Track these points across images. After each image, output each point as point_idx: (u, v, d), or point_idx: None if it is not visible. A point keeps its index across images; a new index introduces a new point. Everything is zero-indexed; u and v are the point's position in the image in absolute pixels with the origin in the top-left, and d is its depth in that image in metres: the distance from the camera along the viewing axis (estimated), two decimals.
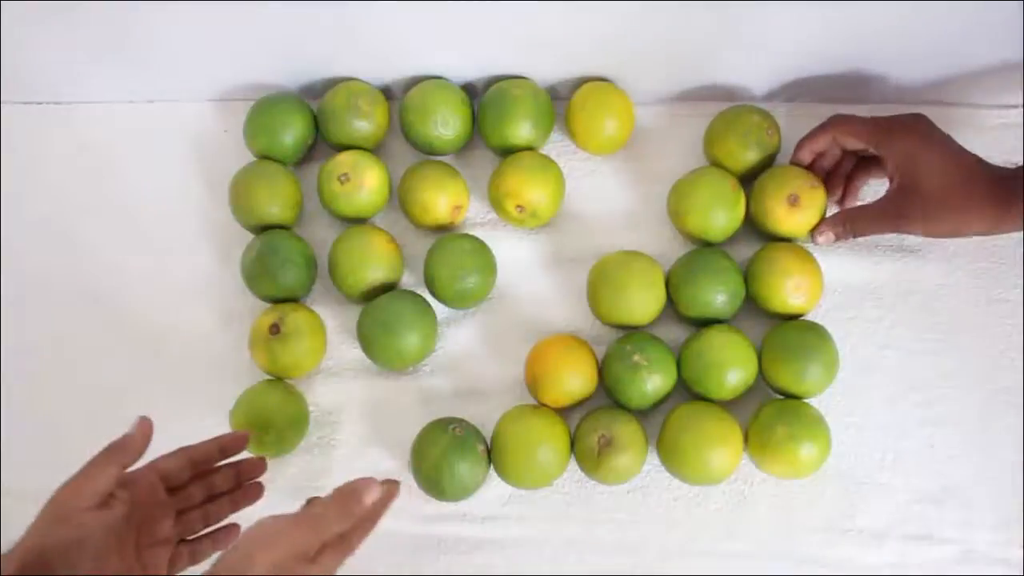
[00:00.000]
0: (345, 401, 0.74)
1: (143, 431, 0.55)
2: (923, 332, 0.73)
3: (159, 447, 0.72)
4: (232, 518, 0.61)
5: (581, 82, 0.77)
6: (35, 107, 0.83)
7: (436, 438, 0.68)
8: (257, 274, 0.72)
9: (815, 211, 0.71)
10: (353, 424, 0.74)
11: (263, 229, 0.75)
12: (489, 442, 0.70)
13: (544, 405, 0.70)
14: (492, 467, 0.69)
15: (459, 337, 0.75)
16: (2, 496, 0.73)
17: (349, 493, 0.53)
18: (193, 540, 0.59)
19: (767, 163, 0.74)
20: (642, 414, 0.70)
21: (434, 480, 0.67)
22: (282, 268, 0.72)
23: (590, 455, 0.67)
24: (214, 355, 0.75)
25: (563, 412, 0.70)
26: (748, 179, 0.74)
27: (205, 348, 0.76)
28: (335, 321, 0.76)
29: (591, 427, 0.68)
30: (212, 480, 0.60)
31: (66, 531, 0.49)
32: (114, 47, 0.75)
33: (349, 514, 0.52)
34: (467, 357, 0.75)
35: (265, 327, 0.71)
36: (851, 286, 0.74)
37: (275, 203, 0.74)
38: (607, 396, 0.71)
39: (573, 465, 0.70)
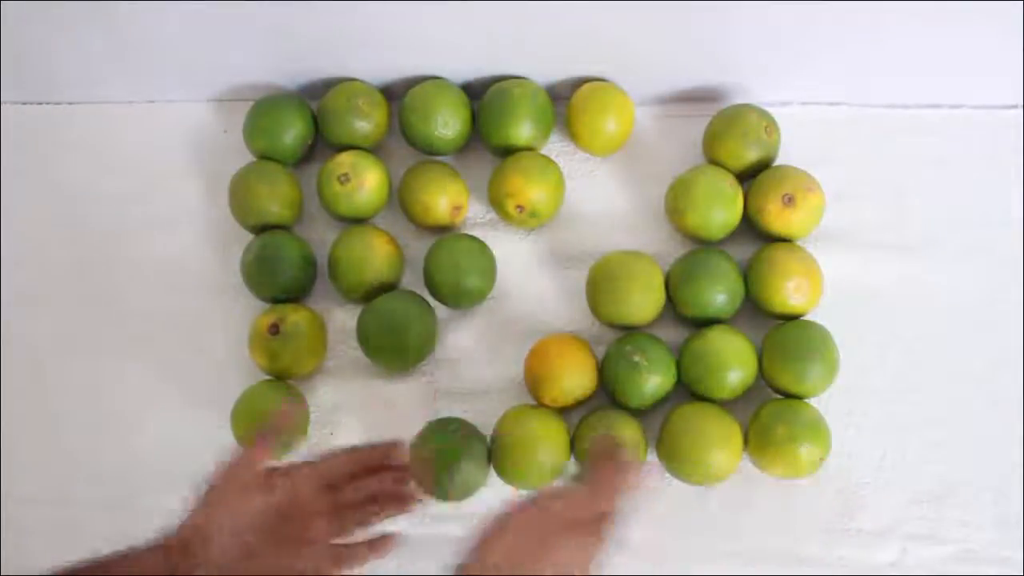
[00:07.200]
0: (345, 401, 0.74)
1: (287, 414, 0.55)
2: (923, 332, 0.73)
3: (161, 447, 0.73)
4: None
5: (581, 82, 0.77)
6: (35, 107, 0.83)
7: (436, 438, 0.68)
8: (257, 274, 0.72)
9: (809, 212, 0.71)
10: (353, 424, 0.74)
11: (263, 229, 0.75)
12: (489, 442, 0.70)
13: (544, 405, 0.70)
14: (492, 467, 0.69)
15: (459, 337, 0.75)
16: (2, 499, 0.73)
17: (611, 476, 0.53)
18: (351, 544, 0.56)
19: (767, 162, 0.74)
20: (642, 414, 0.70)
21: (434, 480, 0.67)
22: (282, 268, 0.72)
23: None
24: (214, 355, 0.75)
25: (563, 412, 0.70)
26: (748, 179, 0.74)
27: (205, 348, 0.76)
28: (335, 321, 0.76)
29: (591, 427, 0.68)
30: (369, 482, 0.57)
31: (219, 514, 0.50)
32: (114, 47, 0.75)
33: (609, 497, 0.52)
34: (467, 357, 0.75)
35: (265, 327, 0.71)
36: (851, 286, 0.73)
37: (275, 203, 0.74)
38: (607, 396, 0.71)
39: (573, 465, 0.70)
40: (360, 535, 0.56)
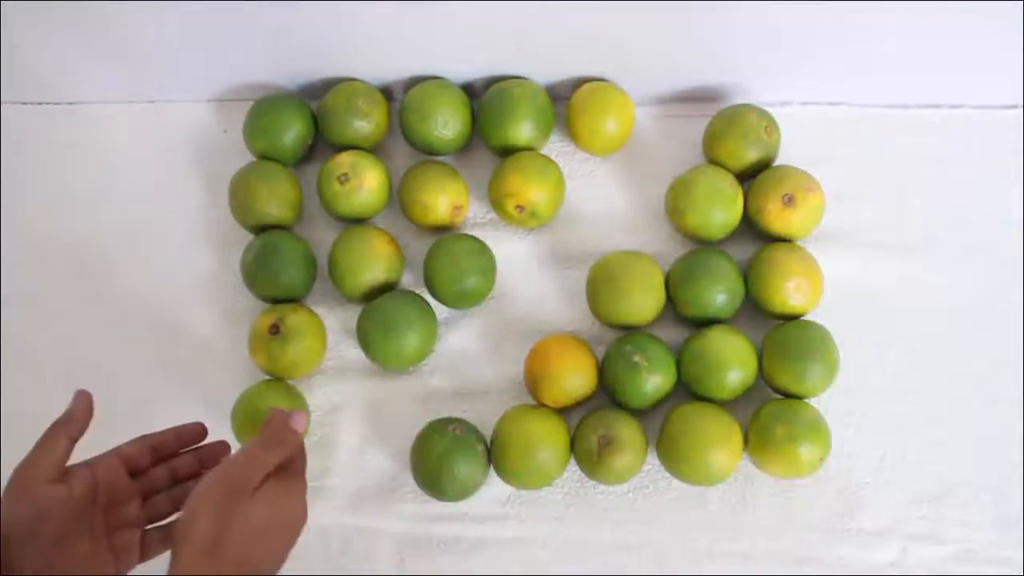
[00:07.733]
0: (345, 401, 0.74)
1: (84, 402, 0.55)
2: (923, 332, 0.73)
3: None
4: None
5: (581, 82, 0.77)
6: (35, 107, 0.83)
7: (436, 438, 0.68)
8: (257, 274, 0.72)
9: (809, 212, 0.71)
10: (353, 424, 0.74)
11: (263, 229, 0.75)
12: (489, 442, 0.70)
13: (544, 405, 0.70)
14: (492, 467, 0.69)
15: (459, 337, 0.75)
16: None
17: (280, 424, 0.54)
18: (164, 525, 0.58)
19: (767, 162, 0.74)
20: (642, 414, 0.70)
21: (434, 480, 0.67)
22: (282, 268, 0.72)
23: (590, 455, 0.67)
24: (214, 355, 0.75)
25: (563, 412, 0.70)
26: (748, 179, 0.74)
27: (205, 348, 0.76)
28: (335, 321, 0.76)
29: (591, 427, 0.68)
30: (175, 465, 0.59)
31: (26, 506, 0.50)
32: (114, 47, 0.75)
33: (282, 443, 0.53)
34: (467, 357, 0.75)
35: (265, 327, 0.71)
36: (851, 286, 0.73)
37: (275, 203, 0.74)
38: (607, 396, 0.71)
39: (573, 465, 0.70)
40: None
